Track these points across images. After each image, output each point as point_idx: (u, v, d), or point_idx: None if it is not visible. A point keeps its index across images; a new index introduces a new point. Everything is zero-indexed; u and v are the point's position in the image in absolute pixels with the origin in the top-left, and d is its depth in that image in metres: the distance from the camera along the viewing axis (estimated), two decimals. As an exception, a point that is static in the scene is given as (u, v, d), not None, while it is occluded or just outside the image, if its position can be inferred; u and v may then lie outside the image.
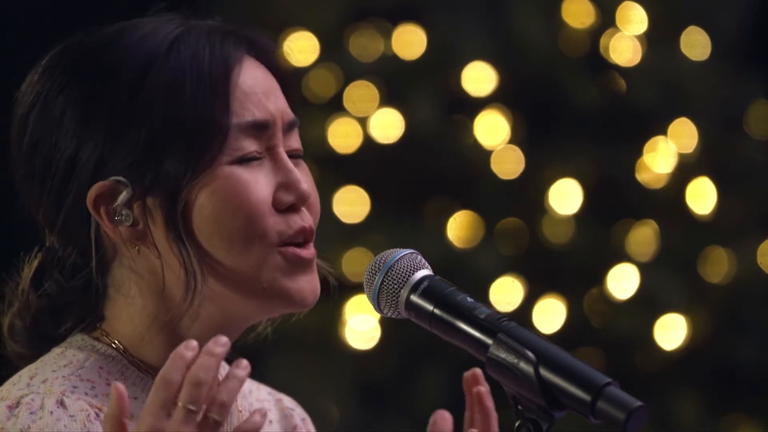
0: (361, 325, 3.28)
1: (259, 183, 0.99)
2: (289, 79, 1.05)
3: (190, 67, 0.98)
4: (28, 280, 1.02)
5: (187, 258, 0.97)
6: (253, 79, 1.01)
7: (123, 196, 0.98)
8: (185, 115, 0.97)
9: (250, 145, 0.99)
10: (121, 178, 0.97)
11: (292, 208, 1.00)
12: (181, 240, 0.97)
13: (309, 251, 1.02)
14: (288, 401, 1.17)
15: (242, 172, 0.98)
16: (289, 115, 1.03)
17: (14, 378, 0.99)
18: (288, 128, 1.02)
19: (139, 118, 0.98)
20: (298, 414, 1.16)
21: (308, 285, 1.02)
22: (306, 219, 1.00)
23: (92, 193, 0.98)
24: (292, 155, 1.03)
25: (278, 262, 0.99)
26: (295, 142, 1.04)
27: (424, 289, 0.94)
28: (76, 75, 1.01)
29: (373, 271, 0.95)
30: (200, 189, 0.98)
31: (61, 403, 0.93)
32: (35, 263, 1.03)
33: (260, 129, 0.99)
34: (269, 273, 0.99)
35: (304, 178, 1.01)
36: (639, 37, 3.42)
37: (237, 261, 0.99)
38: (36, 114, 1.01)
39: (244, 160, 0.98)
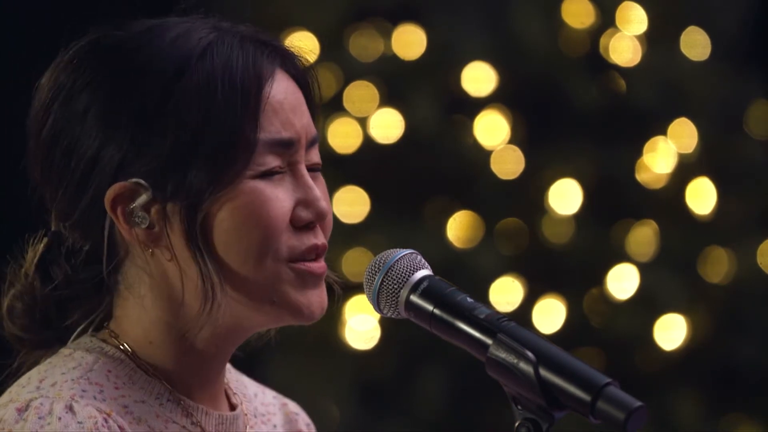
0: (361, 325, 3.28)
1: (280, 199, 0.99)
2: (316, 94, 1.05)
3: (222, 76, 0.97)
4: (32, 264, 1.02)
5: (205, 268, 0.97)
6: (283, 94, 1.00)
7: (142, 199, 0.97)
8: (214, 126, 0.97)
9: (274, 161, 0.99)
10: (142, 181, 0.97)
11: (308, 226, 1.00)
12: (198, 249, 0.97)
13: (320, 266, 1.02)
14: (293, 406, 1.17)
15: (264, 188, 0.97)
16: (313, 131, 1.03)
17: (23, 380, 0.98)
18: (310, 144, 1.02)
19: (167, 123, 0.97)
20: (303, 419, 1.17)
21: (316, 299, 1.02)
22: (319, 236, 1.01)
23: (111, 192, 0.98)
24: (312, 169, 1.03)
25: (289, 277, 1.00)
26: (315, 156, 1.04)
27: (424, 289, 0.94)
28: (105, 72, 1.00)
29: (373, 271, 0.95)
30: (222, 202, 0.98)
31: (70, 408, 0.93)
32: (40, 247, 1.02)
33: (286, 146, 0.99)
34: (280, 287, 0.99)
35: (322, 195, 1.02)
36: (639, 37, 3.42)
37: (250, 274, 0.98)
38: (59, 105, 1.00)
39: (267, 175, 0.98)
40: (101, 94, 0.98)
